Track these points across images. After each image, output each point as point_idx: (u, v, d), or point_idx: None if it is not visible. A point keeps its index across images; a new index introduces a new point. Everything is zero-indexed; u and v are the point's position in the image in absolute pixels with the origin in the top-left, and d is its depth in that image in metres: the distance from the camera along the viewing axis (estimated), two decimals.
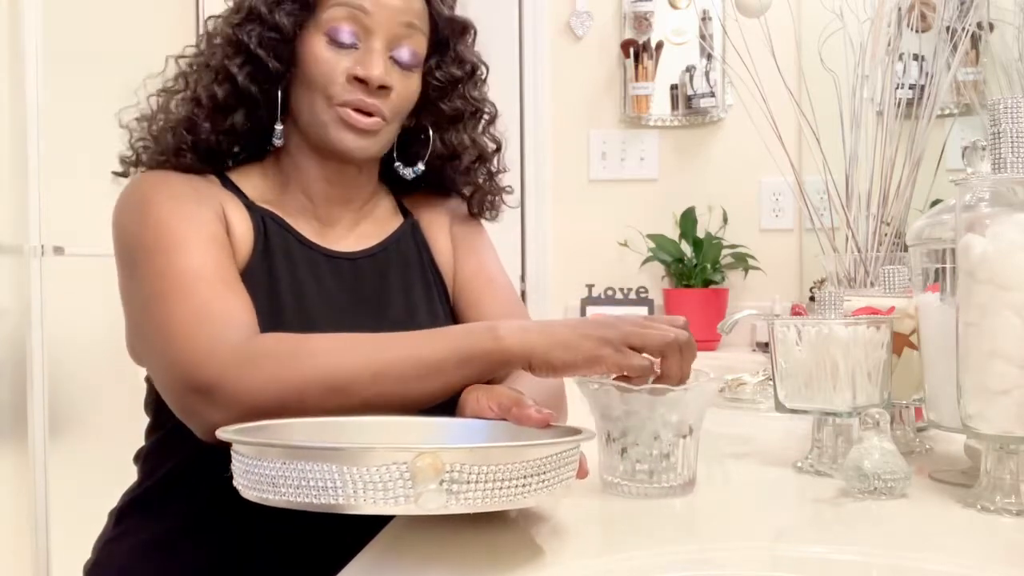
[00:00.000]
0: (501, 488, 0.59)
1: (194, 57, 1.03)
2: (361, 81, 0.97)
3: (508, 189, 1.17)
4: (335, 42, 0.98)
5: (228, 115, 1.00)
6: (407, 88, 1.02)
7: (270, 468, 0.60)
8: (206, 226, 0.93)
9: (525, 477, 0.60)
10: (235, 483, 0.65)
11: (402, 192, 1.16)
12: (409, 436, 0.79)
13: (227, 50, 0.99)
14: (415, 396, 0.82)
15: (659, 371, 0.80)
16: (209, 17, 1.05)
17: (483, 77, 1.12)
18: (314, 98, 0.98)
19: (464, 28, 1.08)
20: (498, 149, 1.14)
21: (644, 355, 0.79)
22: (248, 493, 0.63)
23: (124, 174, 1.06)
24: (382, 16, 0.98)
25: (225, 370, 0.80)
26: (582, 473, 0.70)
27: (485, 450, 0.61)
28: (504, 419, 0.78)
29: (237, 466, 0.64)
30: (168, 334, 0.84)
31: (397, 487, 0.57)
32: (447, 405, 0.85)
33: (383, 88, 0.98)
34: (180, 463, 0.98)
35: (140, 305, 0.90)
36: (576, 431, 0.72)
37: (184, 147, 1.00)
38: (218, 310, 0.86)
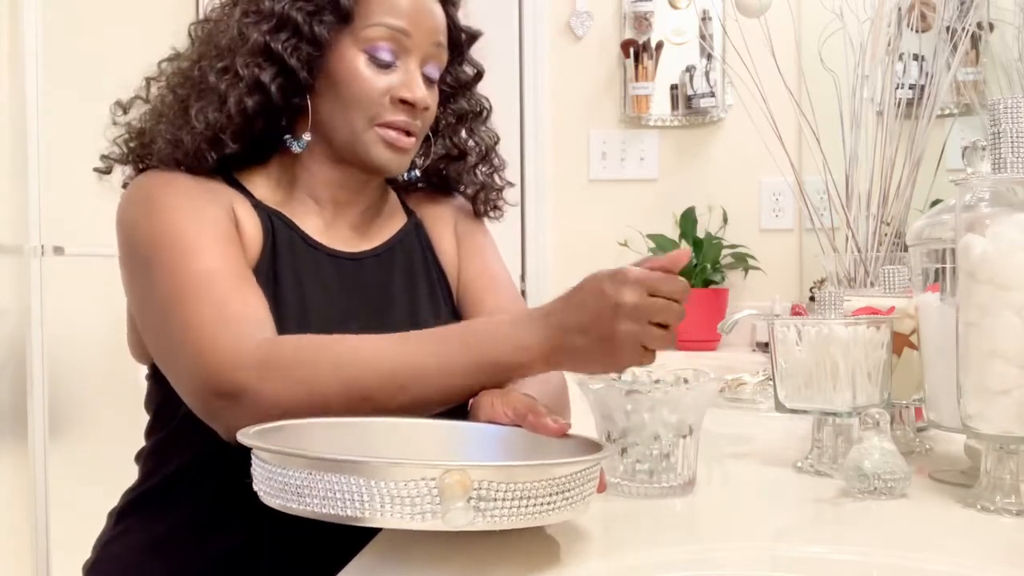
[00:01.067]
0: (527, 506, 0.59)
1: (210, 58, 0.99)
2: (405, 103, 0.98)
3: (509, 184, 1.18)
4: (375, 60, 0.98)
5: (252, 124, 0.98)
6: (435, 102, 1.04)
7: (295, 477, 0.59)
8: (217, 224, 0.93)
9: (551, 495, 0.60)
10: (255, 488, 0.64)
11: (402, 190, 1.16)
12: (425, 439, 0.78)
13: (258, 60, 0.96)
14: (437, 402, 0.83)
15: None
16: (205, 19, 1.02)
17: (482, 78, 1.14)
18: (352, 116, 0.98)
19: (473, 36, 1.11)
20: (496, 142, 1.16)
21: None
22: (270, 500, 0.62)
23: (107, 171, 1.05)
24: (419, 37, 0.99)
25: (250, 375, 0.80)
26: (601, 487, 0.70)
27: (512, 468, 0.61)
28: (518, 425, 0.78)
29: (258, 472, 0.63)
30: (189, 338, 0.84)
31: (424, 503, 0.57)
32: (456, 407, 0.85)
33: (424, 109, 1.00)
34: (182, 465, 0.98)
35: (156, 307, 0.89)
36: (595, 445, 0.72)
37: (210, 159, 0.98)
38: (237, 309, 0.85)
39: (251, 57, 0.96)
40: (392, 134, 0.99)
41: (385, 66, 0.98)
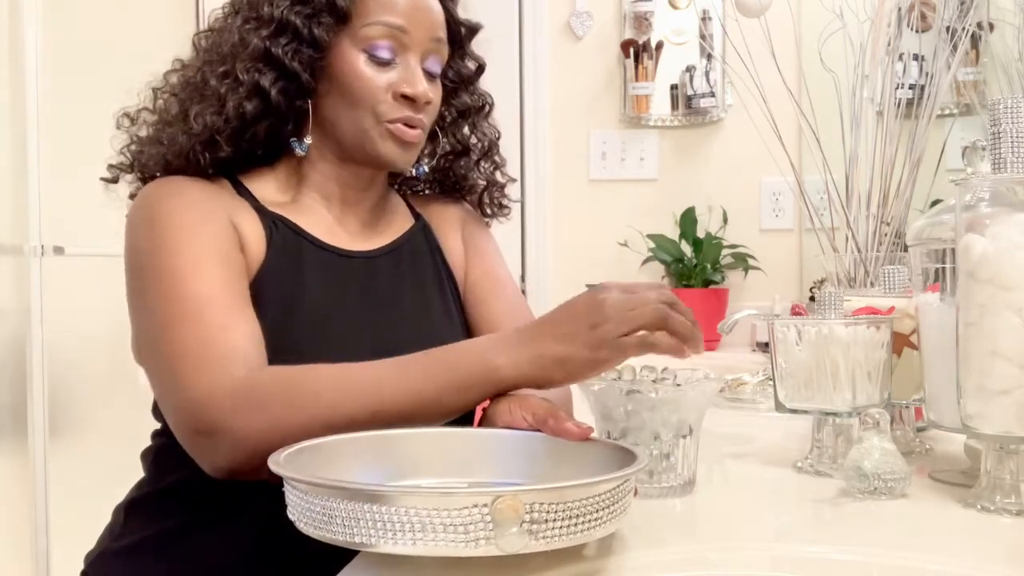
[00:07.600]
0: (578, 523, 0.59)
1: (212, 64, 1.01)
2: (407, 99, 1.00)
3: (511, 180, 1.20)
4: (374, 59, 0.99)
5: (252, 127, 1.00)
6: (438, 96, 1.05)
7: (340, 509, 0.58)
8: (218, 241, 0.93)
9: (598, 510, 0.60)
10: (290, 515, 0.63)
11: (408, 192, 1.18)
12: (445, 448, 0.78)
13: (259, 65, 0.98)
14: (416, 424, 0.82)
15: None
16: (208, 29, 1.04)
17: (483, 72, 1.16)
18: (359, 114, 1.00)
19: (473, 30, 1.12)
20: (498, 137, 1.17)
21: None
22: (311, 531, 0.61)
23: (115, 180, 1.06)
24: (417, 34, 1.00)
25: (225, 414, 0.81)
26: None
27: (563, 489, 0.60)
28: (537, 430, 0.77)
29: (294, 500, 0.62)
30: (172, 373, 0.84)
31: (477, 530, 0.56)
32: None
33: (427, 103, 1.02)
34: (192, 474, 0.95)
35: (148, 328, 0.90)
36: (619, 448, 0.71)
37: (203, 160, 0.99)
38: (221, 346, 0.85)
39: (252, 62, 0.98)
40: (401, 128, 1.00)
41: (384, 64, 1.00)
